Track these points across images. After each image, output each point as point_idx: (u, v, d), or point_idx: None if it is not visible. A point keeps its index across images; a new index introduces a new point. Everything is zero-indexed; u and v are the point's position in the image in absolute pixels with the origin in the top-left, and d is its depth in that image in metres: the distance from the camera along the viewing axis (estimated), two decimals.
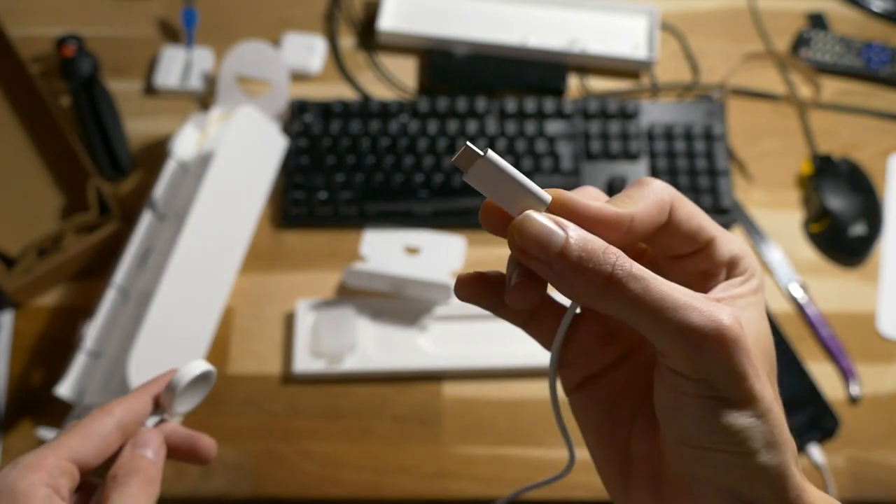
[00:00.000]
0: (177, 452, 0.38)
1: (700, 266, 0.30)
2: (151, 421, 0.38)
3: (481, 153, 0.26)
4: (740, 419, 0.26)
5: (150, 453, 0.36)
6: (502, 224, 0.27)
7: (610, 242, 0.26)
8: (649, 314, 0.25)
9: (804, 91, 0.86)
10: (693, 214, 0.29)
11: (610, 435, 0.32)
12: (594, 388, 0.33)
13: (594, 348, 0.32)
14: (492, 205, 0.27)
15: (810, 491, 0.28)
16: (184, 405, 0.39)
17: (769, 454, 0.26)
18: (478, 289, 0.30)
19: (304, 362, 0.68)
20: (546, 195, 0.27)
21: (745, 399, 0.26)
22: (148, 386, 0.38)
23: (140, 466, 0.35)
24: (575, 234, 0.25)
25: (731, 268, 0.30)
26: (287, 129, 0.79)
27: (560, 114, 0.80)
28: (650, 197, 0.28)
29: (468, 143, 0.26)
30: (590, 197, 0.28)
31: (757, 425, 0.26)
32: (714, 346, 0.25)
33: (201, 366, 0.38)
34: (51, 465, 0.33)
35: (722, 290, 0.29)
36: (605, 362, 0.32)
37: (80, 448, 0.34)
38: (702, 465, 0.27)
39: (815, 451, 0.66)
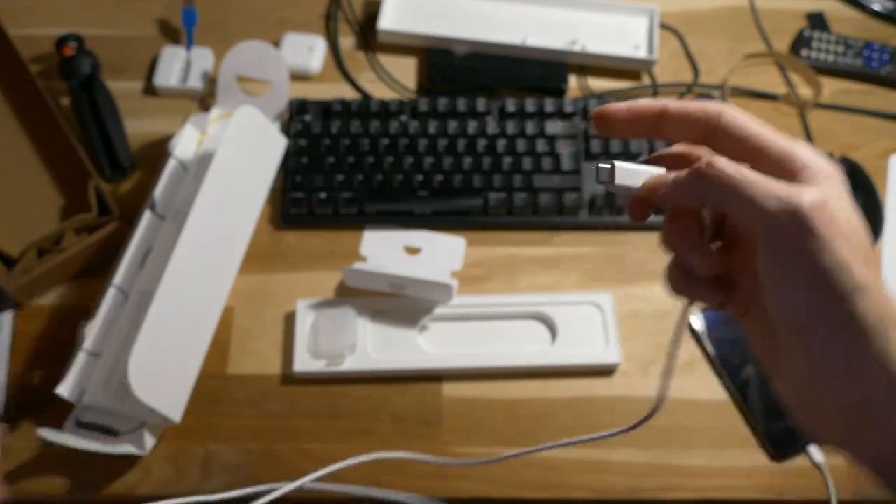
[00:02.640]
0: None
1: (764, 171, 0.32)
2: None
3: (611, 166, 0.34)
4: (834, 292, 0.28)
5: None
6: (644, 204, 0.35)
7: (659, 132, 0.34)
8: (741, 190, 0.29)
9: (804, 91, 0.86)
10: (746, 124, 0.33)
11: (773, 347, 0.33)
12: (748, 314, 0.35)
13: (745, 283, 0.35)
14: (632, 198, 0.35)
15: None
16: None
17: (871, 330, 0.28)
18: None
19: (304, 362, 0.68)
20: (660, 169, 0.35)
21: (834, 268, 0.28)
22: None
23: None
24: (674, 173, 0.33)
25: (793, 173, 0.31)
26: (287, 129, 0.79)
27: (560, 114, 0.80)
28: (692, 101, 0.34)
29: (600, 164, 0.34)
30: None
31: (856, 298, 0.28)
32: (793, 213, 0.28)
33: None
34: None
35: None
36: (746, 293, 0.35)
37: None
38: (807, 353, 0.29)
39: (815, 451, 0.66)
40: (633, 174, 0.35)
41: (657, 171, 0.35)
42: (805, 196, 0.28)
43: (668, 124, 0.34)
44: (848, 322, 0.28)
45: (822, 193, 0.29)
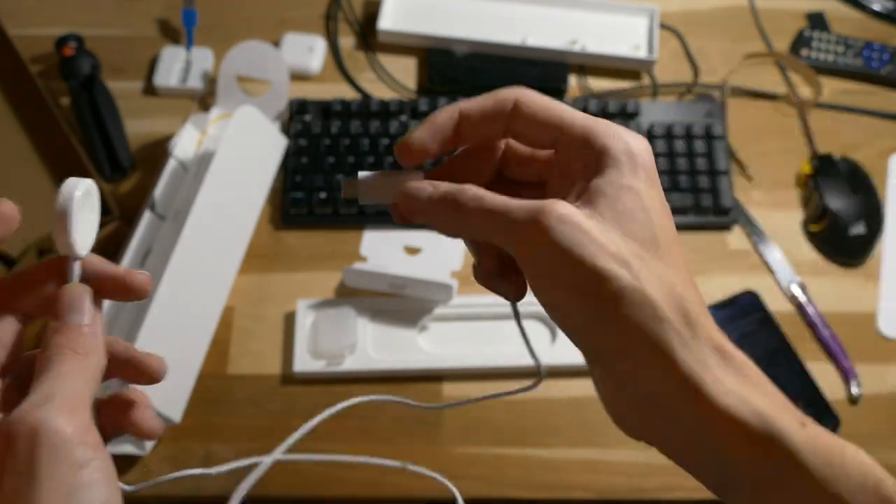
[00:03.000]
0: (119, 365, 0.32)
1: (567, 157, 0.31)
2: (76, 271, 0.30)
3: (354, 178, 0.32)
4: (596, 302, 0.27)
5: (81, 317, 0.29)
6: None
7: (462, 134, 0.32)
8: (491, 223, 0.29)
9: (804, 91, 0.86)
10: (548, 106, 0.31)
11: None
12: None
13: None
14: (394, 206, 0.33)
15: (717, 384, 0.27)
16: (85, 238, 0.31)
17: (650, 329, 0.27)
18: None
19: (304, 362, 0.68)
20: (415, 172, 0.33)
21: (588, 279, 0.27)
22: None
23: (71, 339, 0.28)
24: (431, 185, 0.31)
25: (595, 155, 0.30)
26: (287, 129, 0.79)
27: None
28: (485, 96, 0.32)
29: (342, 178, 0.31)
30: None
31: (619, 304, 0.27)
32: (537, 234, 0.27)
33: (81, 182, 0.31)
34: None
35: (579, 186, 0.30)
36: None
37: None
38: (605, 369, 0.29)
39: None
40: (382, 186, 0.33)
41: (412, 175, 0.32)
42: (547, 215, 0.27)
43: (468, 128, 0.32)
44: (618, 325, 0.27)
45: (596, 188, 0.29)
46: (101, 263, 0.31)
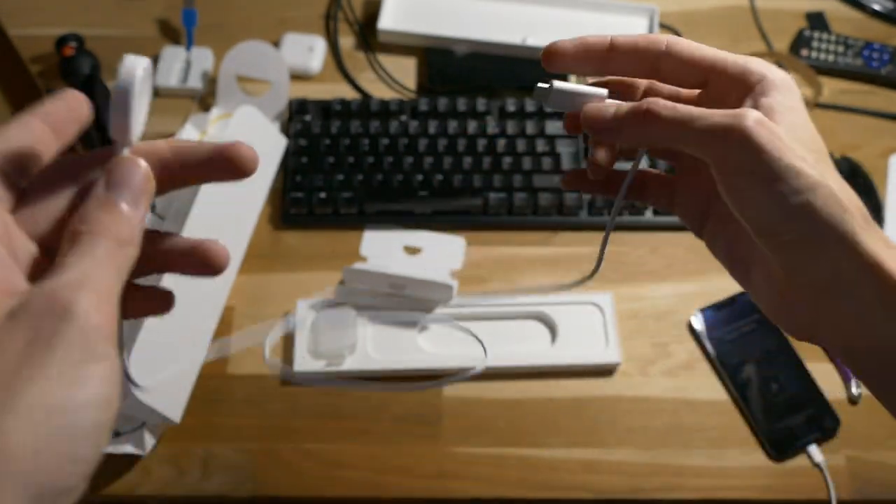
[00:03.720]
0: (182, 258, 0.30)
1: (722, 92, 0.34)
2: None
3: (549, 86, 0.35)
4: (791, 194, 0.30)
5: (125, 203, 0.27)
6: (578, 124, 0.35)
7: (617, 70, 0.35)
8: (684, 129, 0.31)
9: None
10: (699, 46, 0.34)
11: (739, 260, 0.36)
12: (709, 227, 0.38)
13: (690, 201, 0.38)
14: (571, 114, 0.36)
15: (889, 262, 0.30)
16: (139, 119, 0.29)
17: (830, 224, 0.30)
18: (576, 180, 0.39)
19: (304, 362, 0.68)
20: (601, 91, 0.35)
21: (785, 174, 0.30)
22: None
23: (113, 221, 0.26)
24: (616, 104, 0.34)
25: (755, 83, 0.33)
26: (287, 129, 0.79)
27: (561, 113, 0.80)
28: (637, 34, 0.35)
29: (539, 84, 0.35)
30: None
31: (810, 195, 0.30)
32: (738, 135, 0.30)
33: (142, 60, 0.28)
34: None
35: (751, 102, 0.33)
36: (701, 207, 0.38)
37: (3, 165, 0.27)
38: (783, 253, 0.31)
39: (815, 451, 0.66)
40: (572, 97, 0.35)
41: (599, 94, 0.35)
42: (746, 119, 0.30)
43: (616, 58, 0.35)
44: (810, 214, 0.30)
45: (768, 106, 0.32)
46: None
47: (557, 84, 0.35)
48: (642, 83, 0.37)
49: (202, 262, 0.30)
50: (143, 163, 0.28)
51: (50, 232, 0.27)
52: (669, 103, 0.32)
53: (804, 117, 0.33)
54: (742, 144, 0.30)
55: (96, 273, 0.25)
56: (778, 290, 0.33)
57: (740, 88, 0.33)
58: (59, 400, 0.23)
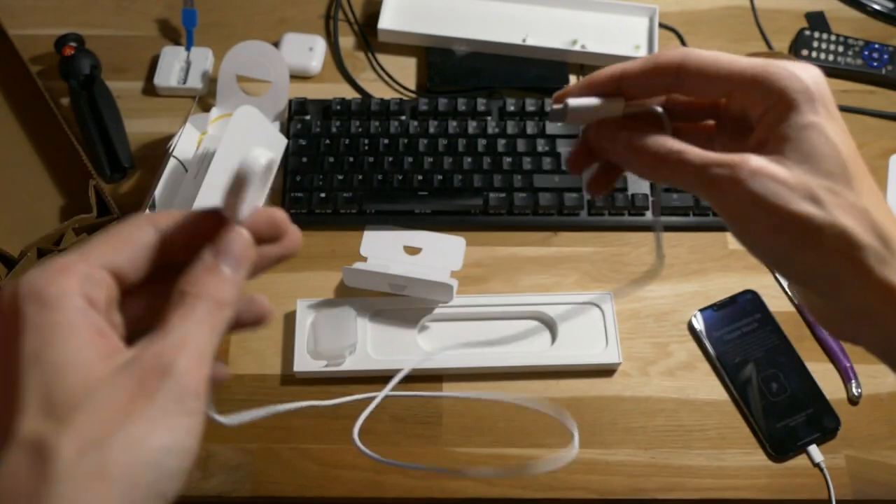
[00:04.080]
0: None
1: (742, 104, 0.33)
2: None
3: (563, 105, 0.35)
4: (797, 244, 0.30)
5: (228, 268, 0.29)
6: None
7: (632, 89, 0.34)
8: (682, 179, 0.32)
9: None
10: (716, 61, 0.33)
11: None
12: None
13: None
14: (576, 151, 0.37)
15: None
16: (250, 206, 0.31)
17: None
18: (579, 159, 0.38)
19: (304, 362, 0.68)
20: (618, 100, 0.35)
21: (788, 225, 0.30)
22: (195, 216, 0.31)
23: (216, 284, 0.28)
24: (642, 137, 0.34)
25: (773, 99, 0.32)
26: (287, 128, 0.79)
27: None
28: (646, 60, 0.34)
29: (552, 105, 0.35)
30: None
31: (817, 242, 0.30)
32: (737, 190, 0.30)
33: (265, 153, 0.30)
34: (82, 272, 0.27)
35: (761, 133, 0.32)
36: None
37: (114, 256, 0.28)
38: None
39: (815, 451, 0.66)
40: (588, 111, 0.35)
41: (615, 103, 0.35)
42: (741, 170, 0.30)
43: (629, 87, 0.34)
44: (820, 258, 0.30)
45: (781, 136, 0.31)
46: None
47: (573, 101, 0.34)
48: (658, 100, 0.36)
49: (250, 316, 0.33)
50: (246, 233, 0.30)
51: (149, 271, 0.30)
52: (675, 146, 0.32)
53: (828, 129, 0.31)
54: (740, 198, 0.30)
55: (195, 335, 0.27)
56: (815, 305, 0.34)
57: (759, 103, 0.32)
58: (153, 442, 0.26)
